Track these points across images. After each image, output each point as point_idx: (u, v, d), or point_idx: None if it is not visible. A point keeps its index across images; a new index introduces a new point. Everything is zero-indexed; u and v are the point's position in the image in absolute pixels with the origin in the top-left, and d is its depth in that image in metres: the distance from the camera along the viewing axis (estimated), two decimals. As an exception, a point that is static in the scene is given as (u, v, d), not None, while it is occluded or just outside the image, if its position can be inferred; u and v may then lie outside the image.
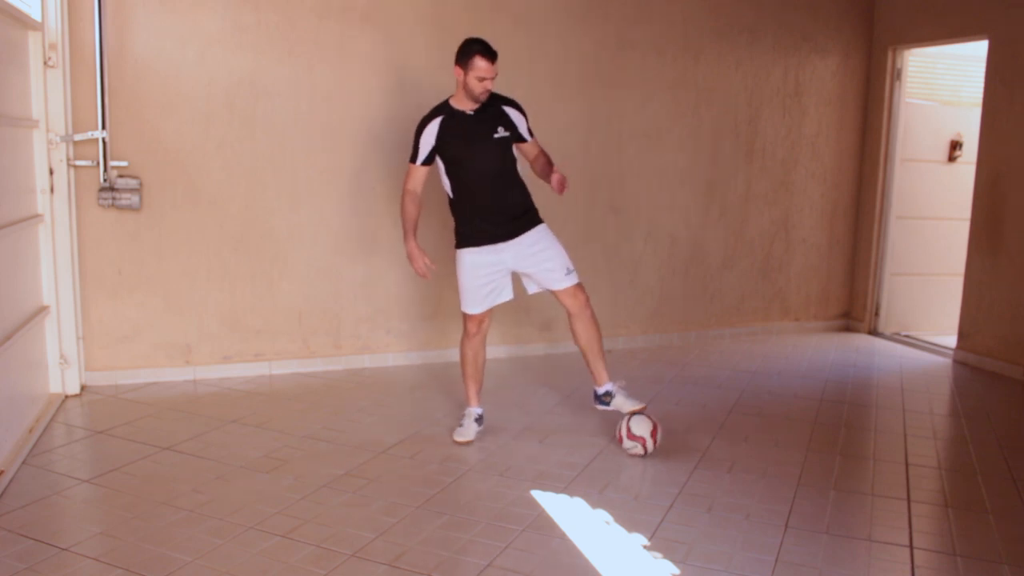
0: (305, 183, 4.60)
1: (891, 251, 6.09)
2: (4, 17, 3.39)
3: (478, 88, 3.40)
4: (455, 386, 4.54)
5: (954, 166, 6.05)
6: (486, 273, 3.57)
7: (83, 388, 4.23)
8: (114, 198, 4.16)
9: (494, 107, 3.54)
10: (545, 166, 3.62)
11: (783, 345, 5.76)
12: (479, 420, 3.76)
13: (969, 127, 5.78)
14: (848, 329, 6.29)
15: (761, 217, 5.91)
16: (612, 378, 3.74)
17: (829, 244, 6.19)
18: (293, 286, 4.65)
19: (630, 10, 5.25)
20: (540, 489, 3.20)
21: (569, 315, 3.67)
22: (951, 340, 5.57)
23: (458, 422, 3.80)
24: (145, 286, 4.35)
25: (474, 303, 3.61)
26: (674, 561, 2.67)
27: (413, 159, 3.55)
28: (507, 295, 3.64)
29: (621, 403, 3.67)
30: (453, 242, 3.65)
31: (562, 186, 3.49)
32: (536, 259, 3.58)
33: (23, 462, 3.28)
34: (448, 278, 4.97)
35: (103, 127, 4.08)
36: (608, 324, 5.51)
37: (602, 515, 2.99)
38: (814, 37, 5.87)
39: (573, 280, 3.61)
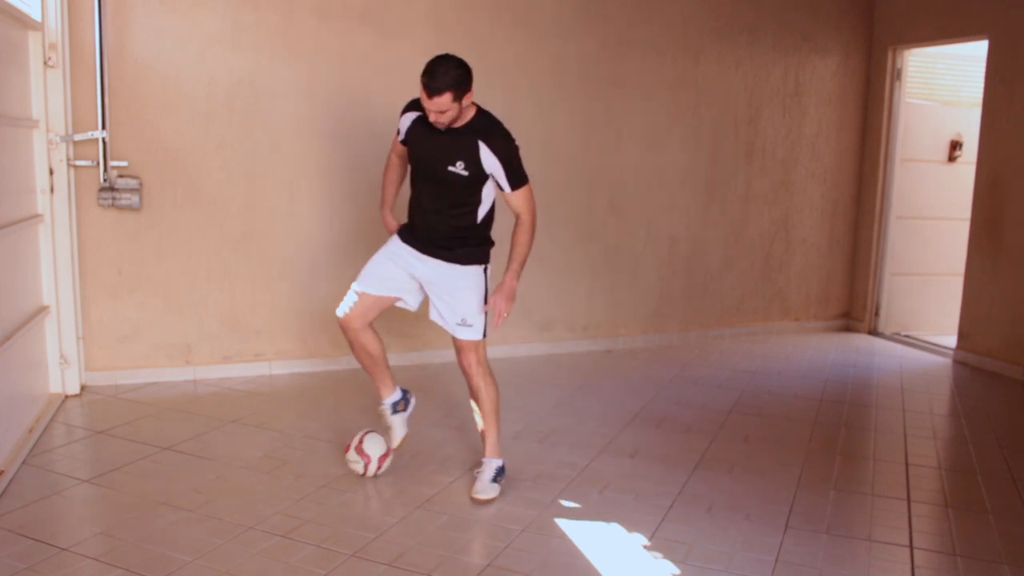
0: (305, 183, 4.60)
1: (891, 251, 6.09)
2: (4, 17, 3.39)
3: (429, 118, 2.92)
4: (455, 387, 4.54)
5: (954, 166, 6.05)
6: (399, 264, 3.14)
7: (83, 388, 4.23)
8: (114, 198, 4.16)
9: (470, 136, 2.95)
10: (516, 244, 3.09)
11: (783, 345, 5.76)
12: (399, 405, 3.35)
13: (969, 127, 5.78)
14: (848, 329, 6.29)
15: (761, 217, 5.91)
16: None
17: (829, 244, 6.19)
18: (293, 286, 4.65)
19: (630, 10, 5.25)
20: (540, 489, 3.20)
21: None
22: (951, 340, 5.57)
23: (383, 424, 3.41)
24: (145, 286, 4.35)
25: (362, 278, 3.15)
26: (674, 561, 2.67)
27: (397, 132, 3.19)
28: (409, 303, 3.22)
29: (481, 481, 3.13)
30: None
31: (496, 314, 3.02)
32: (442, 291, 3.13)
33: (23, 462, 3.28)
34: (448, 278, 4.98)
35: (103, 127, 4.08)
36: (608, 324, 5.52)
37: (602, 515, 2.99)
38: (814, 37, 5.87)
39: (464, 334, 3.11)
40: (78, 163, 4.09)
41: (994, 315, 5.17)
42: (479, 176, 2.99)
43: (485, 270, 3.16)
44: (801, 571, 2.63)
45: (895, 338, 6.05)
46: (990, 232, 5.22)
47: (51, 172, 3.96)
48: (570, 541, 2.78)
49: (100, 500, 3.02)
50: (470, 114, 2.99)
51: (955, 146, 6.02)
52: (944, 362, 5.43)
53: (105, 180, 4.14)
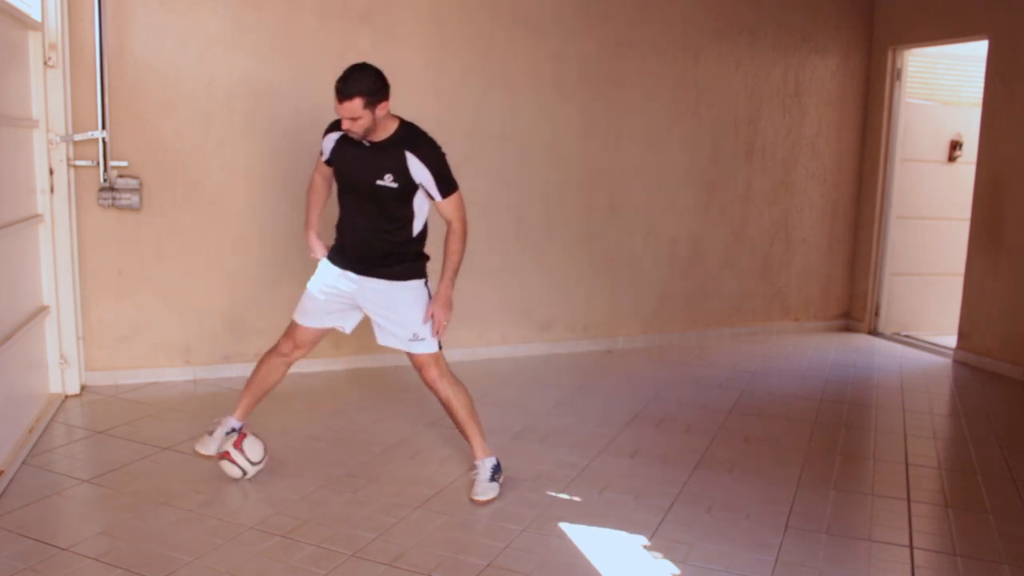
0: (305, 183, 4.59)
1: (891, 251, 6.09)
2: (4, 17, 3.39)
3: (342, 126, 2.90)
4: (455, 386, 4.55)
5: (954, 166, 6.05)
6: (332, 290, 3.13)
7: (83, 388, 4.23)
8: (114, 198, 4.16)
9: (396, 148, 2.94)
10: (449, 252, 3.09)
11: (783, 345, 5.76)
12: (231, 435, 3.23)
13: (969, 127, 5.78)
14: (848, 329, 6.29)
15: (761, 217, 5.91)
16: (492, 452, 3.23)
17: (829, 244, 6.19)
18: (293, 286, 4.63)
19: (630, 10, 5.25)
20: (540, 489, 3.20)
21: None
22: (951, 340, 5.57)
23: (207, 430, 3.36)
24: (145, 286, 4.35)
25: (304, 312, 3.16)
26: (674, 561, 2.67)
27: (321, 153, 3.16)
28: (345, 327, 3.20)
29: (478, 483, 3.12)
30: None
31: (436, 324, 3.05)
32: (385, 310, 3.10)
33: (23, 462, 3.28)
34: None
35: (103, 127, 4.08)
36: (608, 324, 5.52)
37: (602, 515, 2.99)
38: (814, 37, 5.87)
39: (418, 348, 3.08)
40: (78, 163, 4.09)
41: (994, 315, 5.17)
42: (409, 187, 2.98)
43: (426, 283, 3.15)
44: (801, 571, 2.63)
45: (895, 338, 6.05)
46: (990, 232, 5.22)
47: (51, 172, 3.96)
48: (570, 541, 2.78)
49: (100, 500, 3.02)
50: (392, 126, 2.97)
51: (955, 146, 6.02)
52: (944, 362, 5.43)
53: (105, 180, 4.14)
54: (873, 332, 6.18)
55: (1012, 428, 4.17)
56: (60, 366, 4.09)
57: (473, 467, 3.20)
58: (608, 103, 5.27)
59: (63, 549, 2.61)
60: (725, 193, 5.75)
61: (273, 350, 3.27)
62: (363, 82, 2.86)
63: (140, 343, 4.39)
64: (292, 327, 3.22)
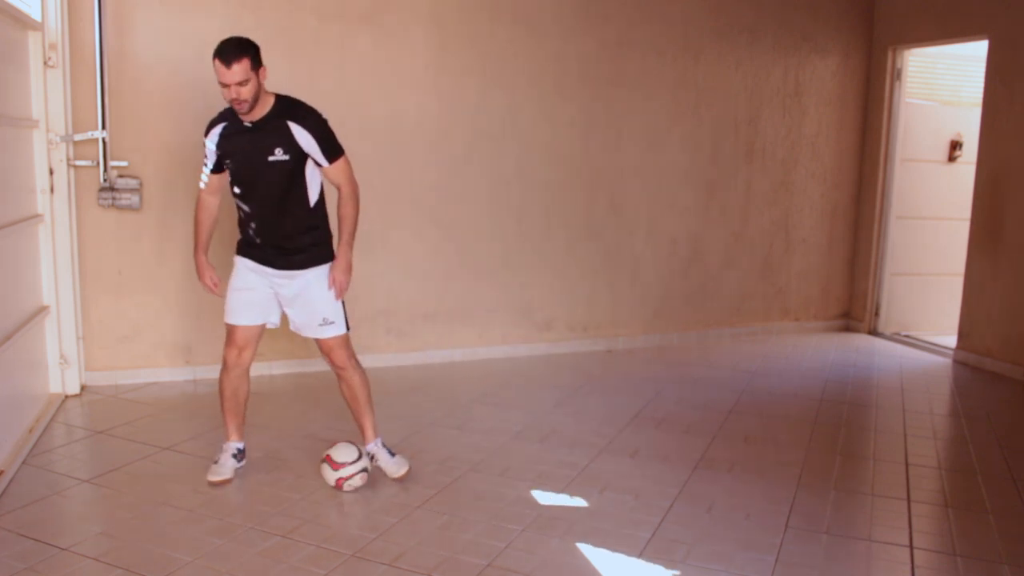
0: (305, 183, 4.60)
1: (891, 251, 6.09)
2: (4, 17, 3.39)
3: (225, 97, 2.87)
4: (455, 386, 4.55)
5: (954, 166, 6.05)
6: (254, 283, 3.14)
7: (83, 388, 4.23)
8: (114, 198, 4.16)
9: (278, 120, 2.95)
10: (343, 217, 3.10)
11: (783, 345, 5.76)
12: (238, 456, 3.27)
13: (969, 127, 5.78)
14: (848, 329, 6.29)
15: (761, 217, 5.91)
16: (380, 434, 3.34)
17: (829, 244, 6.19)
18: (293, 286, 4.64)
19: (630, 10, 5.25)
20: (540, 489, 3.20)
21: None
22: (951, 340, 5.57)
23: (213, 458, 3.30)
24: (145, 286, 4.35)
25: (234, 311, 3.15)
26: (674, 561, 2.67)
27: (206, 165, 3.12)
28: (273, 320, 3.21)
29: (387, 463, 3.25)
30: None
31: (338, 288, 3.09)
32: (298, 302, 3.15)
33: (23, 462, 3.28)
34: (442, 280, 4.99)
35: (103, 127, 4.08)
36: (608, 324, 5.52)
37: (602, 515, 2.99)
38: (814, 37, 5.87)
39: (328, 332, 3.14)
40: (78, 163, 4.09)
41: (994, 315, 5.17)
42: (299, 158, 3.00)
43: (332, 265, 3.15)
44: (801, 571, 2.63)
45: (895, 338, 6.05)
46: (990, 232, 5.22)
47: (51, 172, 3.96)
48: (570, 541, 2.78)
49: (100, 500, 3.02)
50: (270, 101, 2.98)
51: (955, 146, 6.02)
52: (944, 362, 5.43)
53: (105, 180, 4.14)
54: (873, 332, 6.17)
55: (1012, 428, 4.17)
56: (60, 366, 4.09)
57: (370, 454, 3.24)
58: (608, 103, 5.27)
59: (63, 549, 2.61)
60: (725, 193, 5.75)
61: (224, 369, 3.22)
62: (244, 44, 2.87)
63: (140, 343, 4.39)
64: (228, 332, 3.19)
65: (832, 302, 6.30)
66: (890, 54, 5.92)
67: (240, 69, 2.81)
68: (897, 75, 5.94)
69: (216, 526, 2.81)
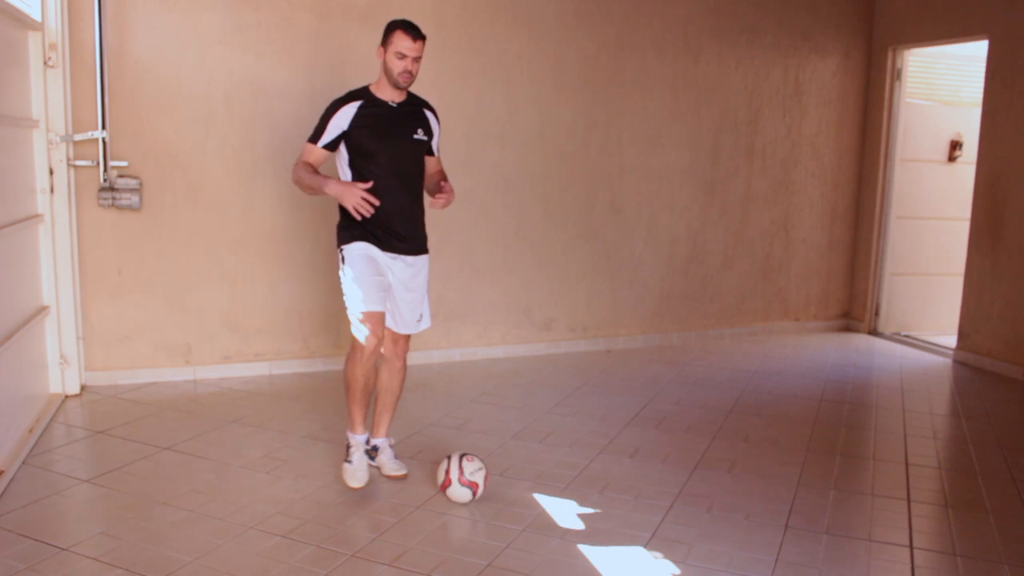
0: (305, 183, 4.60)
1: (891, 251, 6.09)
2: (4, 17, 3.39)
3: (397, 67, 3.01)
4: (455, 386, 4.55)
5: (954, 166, 6.05)
6: (382, 269, 3.11)
7: (83, 388, 4.23)
8: (114, 198, 4.16)
9: (416, 106, 3.19)
10: (438, 182, 3.19)
11: (783, 345, 5.76)
12: (371, 452, 3.27)
13: (969, 127, 5.78)
14: (848, 329, 6.29)
15: (761, 217, 5.91)
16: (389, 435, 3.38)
17: (829, 244, 6.19)
18: (293, 286, 4.65)
19: (630, 10, 5.25)
20: (540, 489, 3.20)
21: (382, 357, 3.24)
22: (951, 340, 5.57)
23: (344, 457, 3.21)
24: (145, 286, 4.35)
25: (371, 299, 3.03)
26: (674, 561, 2.66)
27: (315, 139, 3.09)
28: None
29: (389, 461, 3.28)
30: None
31: (445, 200, 3.09)
32: (408, 288, 3.17)
33: (23, 462, 3.28)
34: (446, 277, 4.99)
35: (103, 127, 4.08)
36: (608, 324, 5.52)
37: (602, 515, 2.99)
38: (814, 37, 5.87)
39: (422, 326, 3.26)
40: (78, 163, 4.09)
41: (994, 315, 5.17)
42: (428, 142, 3.21)
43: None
44: (801, 571, 2.63)
45: (895, 338, 6.05)
46: (990, 232, 5.22)
47: (51, 172, 3.96)
48: (570, 541, 2.78)
49: (100, 500, 3.02)
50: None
51: (955, 146, 6.02)
52: (944, 362, 5.43)
53: (105, 180, 4.14)
54: (873, 332, 6.18)
55: (1012, 428, 4.16)
56: (60, 366, 4.09)
57: (377, 448, 3.30)
58: (608, 103, 5.27)
59: (63, 549, 2.61)
60: (725, 193, 5.75)
61: (360, 358, 3.04)
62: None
63: (140, 343, 4.39)
64: (369, 320, 3.02)
65: (832, 302, 6.30)
66: (890, 54, 5.92)
67: (421, 46, 3.06)
68: (897, 75, 5.94)
69: (216, 526, 2.80)
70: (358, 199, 2.96)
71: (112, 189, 4.16)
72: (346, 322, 4.78)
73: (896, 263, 6.11)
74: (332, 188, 3.01)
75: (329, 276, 4.70)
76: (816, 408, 4.35)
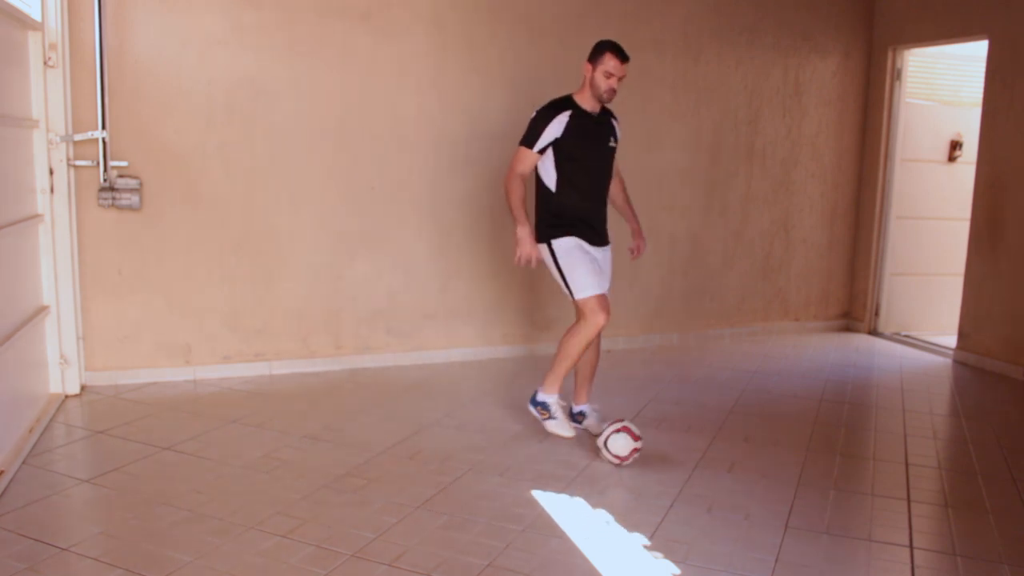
0: (305, 183, 4.60)
1: (891, 251, 6.09)
2: (4, 17, 3.39)
3: (603, 85, 3.47)
4: (455, 386, 4.55)
5: (954, 166, 6.05)
6: (593, 258, 3.62)
7: (83, 388, 4.23)
8: (114, 198, 4.16)
9: (606, 116, 3.65)
10: (624, 197, 3.90)
11: (783, 345, 5.76)
12: (577, 418, 3.85)
13: (969, 127, 5.78)
14: (848, 329, 6.30)
15: (761, 217, 5.91)
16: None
17: (829, 244, 6.19)
18: (293, 286, 4.65)
19: (630, 10, 5.25)
20: (540, 489, 3.20)
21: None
22: (951, 340, 5.57)
23: (542, 416, 3.77)
24: (145, 286, 4.35)
25: (597, 283, 3.55)
26: (674, 561, 2.67)
27: (530, 144, 3.52)
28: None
29: (594, 424, 3.80)
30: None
31: (639, 251, 3.88)
32: (604, 273, 3.69)
33: (23, 462, 3.28)
34: (446, 277, 4.98)
35: (103, 127, 4.08)
36: (608, 324, 5.50)
37: (602, 515, 2.99)
38: (814, 37, 5.87)
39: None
40: (78, 163, 4.09)
41: (994, 315, 5.17)
42: (616, 148, 3.70)
43: (635, 235, 3.95)
44: (801, 571, 2.63)
45: (895, 338, 6.05)
46: (990, 232, 5.22)
47: (51, 172, 3.96)
48: (570, 541, 2.78)
49: (100, 500, 3.02)
50: None
51: (955, 146, 6.02)
52: (944, 362, 5.43)
53: (105, 180, 4.14)
54: (873, 332, 6.18)
55: (1012, 428, 4.17)
56: (60, 366, 4.09)
57: (582, 415, 3.85)
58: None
59: (63, 549, 2.61)
60: (725, 193, 5.75)
61: (586, 327, 3.53)
62: None
63: (140, 343, 4.39)
64: (599, 302, 3.52)
65: (832, 302, 6.30)
66: (890, 54, 5.92)
67: (627, 68, 3.52)
68: (897, 75, 5.94)
69: (216, 526, 2.80)
70: (527, 254, 3.54)
71: (112, 189, 4.16)
72: (345, 322, 4.80)
73: (896, 263, 6.11)
74: (521, 231, 3.52)
75: (329, 276, 4.70)
76: (816, 408, 4.35)
